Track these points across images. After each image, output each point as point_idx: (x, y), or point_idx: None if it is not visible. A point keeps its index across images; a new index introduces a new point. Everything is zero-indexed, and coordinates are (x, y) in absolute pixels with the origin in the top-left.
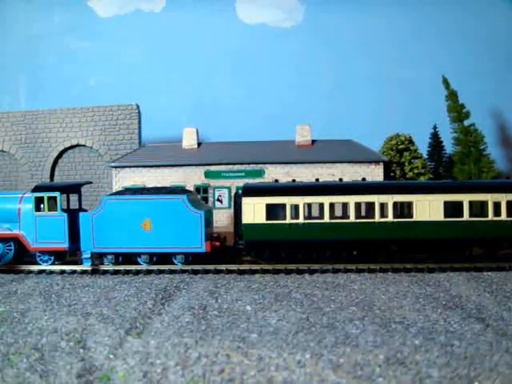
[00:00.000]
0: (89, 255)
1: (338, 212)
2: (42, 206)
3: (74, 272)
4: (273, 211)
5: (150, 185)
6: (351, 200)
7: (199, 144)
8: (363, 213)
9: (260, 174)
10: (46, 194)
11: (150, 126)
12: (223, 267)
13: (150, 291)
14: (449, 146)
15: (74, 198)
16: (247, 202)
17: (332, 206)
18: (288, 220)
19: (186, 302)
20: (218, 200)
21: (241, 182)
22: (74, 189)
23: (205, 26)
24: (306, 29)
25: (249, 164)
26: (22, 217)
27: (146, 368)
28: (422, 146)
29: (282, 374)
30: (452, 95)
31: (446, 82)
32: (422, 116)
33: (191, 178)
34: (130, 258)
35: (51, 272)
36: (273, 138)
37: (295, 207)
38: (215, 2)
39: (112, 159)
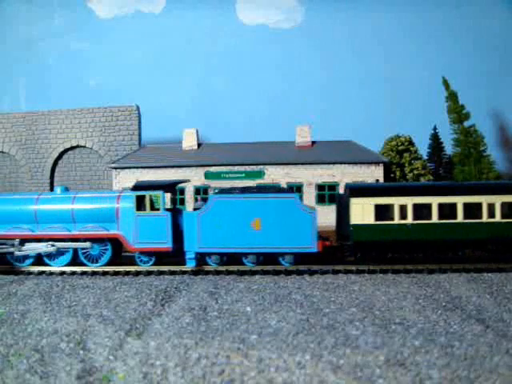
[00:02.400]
0: (193, 255)
1: (446, 212)
2: (143, 205)
3: (73, 273)
4: (381, 212)
5: None
6: (459, 200)
7: (199, 145)
8: (470, 213)
9: (260, 174)
10: (148, 193)
11: (150, 127)
12: (223, 268)
13: (150, 292)
14: (449, 147)
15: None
16: (356, 203)
17: (440, 206)
18: (396, 220)
19: (186, 303)
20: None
21: (241, 183)
22: (171, 187)
23: (204, 26)
24: (306, 29)
25: (249, 165)
26: (121, 216)
27: (145, 369)
28: (422, 147)
29: (282, 375)
30: (452, 96)
31: (446, 83)
32: (422, 117)
33: (191, 178)
34: (234, 258)
35: (51, 273)
36: (273, 138)
37: (403, 208)
38: (215, 3)
39: (112, 160)
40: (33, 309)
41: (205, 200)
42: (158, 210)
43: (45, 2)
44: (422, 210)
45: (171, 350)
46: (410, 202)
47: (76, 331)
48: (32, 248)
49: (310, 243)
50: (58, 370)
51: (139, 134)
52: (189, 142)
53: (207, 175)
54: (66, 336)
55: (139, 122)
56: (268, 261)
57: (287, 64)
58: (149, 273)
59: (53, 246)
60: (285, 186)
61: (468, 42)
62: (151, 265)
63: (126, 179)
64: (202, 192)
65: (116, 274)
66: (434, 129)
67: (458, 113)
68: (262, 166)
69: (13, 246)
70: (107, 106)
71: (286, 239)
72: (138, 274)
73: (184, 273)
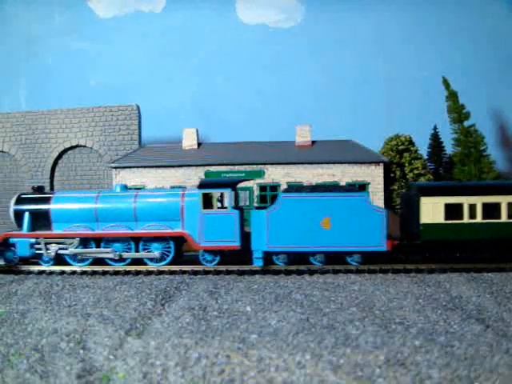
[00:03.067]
0: (261, 255)
1: None
2: (209, 203)
3: (73, 273)
4: (451, 211)
5: (150, 185)
6: None
7: (199, 144)
8: None
9: (260, 174)
10: (214, 191)
11: (150, 127)
12: (223, 268)
13: (150, 292)
14: (449, 147)
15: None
16: (426, 202)
17: (510, 205)
18: (466, 219)
19: (186, 303)
20: (218, 200)
21: (241, 183)
22: (235, 185)
23: (205, 26)
24: (306, 29)
25: (249, 164)
26: (186, 214)
27: (146, 369)
28: (422, 147)
29: (282, 374)
30: (452, 96)
31: (446, 83)
32: (422, 117)
33: (191, 178)
34: (301, 257)
35: (51, 273)
36: (273, 138)
37: (472, 207)
38: (215, 3)
39: (112, 160)
40: (33, 308)
41: None
42: (225, 208)
43: (45, 2)
44: (490, 209)
45: (171, 349)
46: (479, 201)
47: (76, 331)
48: (94, 252)
49: (379, 242)
50: (58, 370)
51: (139, 134)
52: (189, 141)
53: (207, 175)
54: (66, 335)
55: (139, 122)
56: (335, 259)
57: (287, 63)
58: (149, 272)
59: (119, 254)
60: (284, 185)
61: (468, 41)
62: (215, 264)
63: (126, 179)
64: None
65: (116, 273)
66: (434, 128)
67: (458, 112)
68: (262, 166)
69: (71, 245)
70: (107, 106)
71: (355, 238)
72: (138, 273)
73: (184, 272)
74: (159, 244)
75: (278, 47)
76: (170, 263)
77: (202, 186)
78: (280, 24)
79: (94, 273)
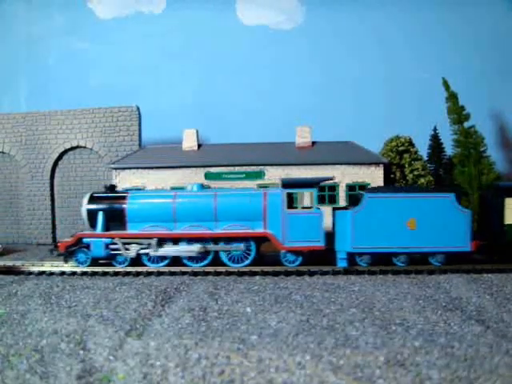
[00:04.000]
0: (345, 255)
1: None
2: (293, 202)
3: (73, 273)
4: None
5: (150, 186)
6: None
7: (199, 145)
8: None
9: (260, 175)
10: (299, 191)
11: (151, 128)
12: (223, 269)
13: (150, 293)
14: (449, 148)
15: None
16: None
17: None
18: None
19: (186, 304)
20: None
21: (241, 184)
22: (318, 184)
23: (205, 27)
24: (307, 30)
25: (249, 165)
26: (268, 214)
27: (145, 369)
28: (422, 148)
29: (282, 375)
30: (452, 97)
31: (445, 84)
32: (422, 118)
33: (191, 179)
34: (383, 258)
35: (51, 273)
36: (273, 139)
37: None
38: (215, 3)
39: (112, 161)
40: (33, 309)
41: None
42: (309, 207)
43: (45, 3)
44: None
45: (171, 350)
46: None
47: (76, 331)
48: (179, 251)
49: (464, 242)
50: (57, 371)
51: (139, 135)
52: (189, 142)
53: (207, 176)
54: (66, 336)
55: (139, 123)
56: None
57: (287, 64)
58: (149, 273)
59: (203, 247)
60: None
61: (468, 42)
62: (298, 265)
63: (127, 180)
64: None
65: (116, 274)
66: (434, 129)
67: (458, 114)
68: (262, 167)
69: (149, 245)
70: (107, 107)
71: (440, 238)
72: (137, 274)
73: (184, 273)
74: (240, 244)
75: (279, 48)
76: (250, 264)
77: (286, 185)
78: (280, 25)
79: (94, 274)
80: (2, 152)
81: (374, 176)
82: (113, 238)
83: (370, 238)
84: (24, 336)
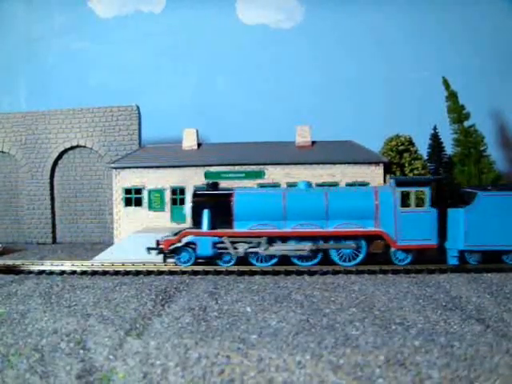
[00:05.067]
0: (456, 253)
1: None
2: (407, 201)
3: (73, 272)
4: None
5: (149, 186)
6: None
7: (199, 145)
8: None
9: (260, 175)
10: (413, 189)
11: (150, 127)
12: (223, 268)
13: (149, 292)
14: (449, 147)
15: None
16: None
17: None
18: None
19: (186, 304)
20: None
21: (241, 183)
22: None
23: (205, 26)
24: (306, 29)
25: (249, 165)
26: (381, 213)
27: (145, 369)
28: (422, 147)
29: (282, 374)
30: (452, 96)
31: (446, 83)
32: (422, 117)
33: (191, 178)
34: (492, 256)
35: (51, 273)
36: (273, 138)
37: None
38: (215, 3)
39: (112, 160)
40: (33, 308)
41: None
42: (422, 206)
43: (44, 2)
44: None
45: (171, 349)
46: None
47: (76, 331)
48: (289, 248)
49: None
50: (57, 370)
51: (139, 134)
52: (189, 141)
53: (207, 175)
54: (66, 336)
55: (139, 122)
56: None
57: (287, 64)
58: (149, 273)
59: (315, 245)
60: (284, 186)
61: (468, 41)
62: (407, 263)
63: (126, 179)
64: None
65: (116, 273)
66: (434, 129)
67: (457, 113)
68: (262, 166)
69: (259, 244)
70: (107, 106)
71: None
72: (137, 273)
73: (184, 273)
74: (351, 242)
75: (278, 47)
76: (360, 263)
77: (400, 184)
78: (280, 24)
79: (94, 273)
80: (2, 151)
81: (374, 175)
82: (220, 237)
83: (483, 236)
84: (24, 335)
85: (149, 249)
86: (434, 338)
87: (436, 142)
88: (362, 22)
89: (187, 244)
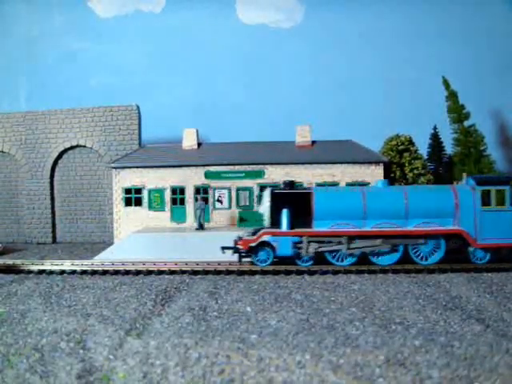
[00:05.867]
0: None
1: None
2: (488, 200)
3: (73, 272)
4: None
5: (149, 186)
6: None
7: (199, 144)
8: None
9: (260, 174)
10: (494, 188)
11: (150, 127)
12: (223, 268)
13: (150, 292)
14: (449, 147)
15: None
16: None
17: None
18: None
19: (186, 303)
20: (218, 200)
21: (240, 183)
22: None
23: (205, 26)
24: (306, 29)
25: (249, 164)
26: (461, 212)
27: (145, 369)
28: (422, 147)
29: (282, 374)
30: (452, 96)
31: (446, 83)
32: (422, 117)
33: (191, 178)
34: None
35: (51, 272)
36: (273, 138)
37: None
38: (215, 3)
39: (112, 160)
40: (33, 308)
41: (205, 200)
42: (503, 204)
43: (44, 2)
44: None
45: (171, 349)
46: None
47: (76, 331)
48: (370, 247)
49: None
50: (58, 370)
51: (139, 134)
52: (189, 141)
53: (207, 175)
54: (66, 335)
55: (139, 122)
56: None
57: (287, 64)
58: (149, 272)
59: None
60: None
61: (468, 41)
62: (485, 262)
63: (126, 179)
64: (201, 191)
65: (116, 273)
66: (434, 128)
67: (457, 112)
68: (261, 166)
69: (340, 243)
70: (107, 106)
71: None
72: (137, 273)
73: (184, 272)
74: (430, 241)
75: (278, 47)
76: (438, 262)
77: (480, 182)
78: (280, 24)
79: (94, 273)
80: (2, 151)
81: (374, 175)
82: (301, 236)
83: None
84: (24, 335)
85: (223, 248)
86: (434, 337)
87: (436, 141)
88: (362, 21)
89: (263, 243)
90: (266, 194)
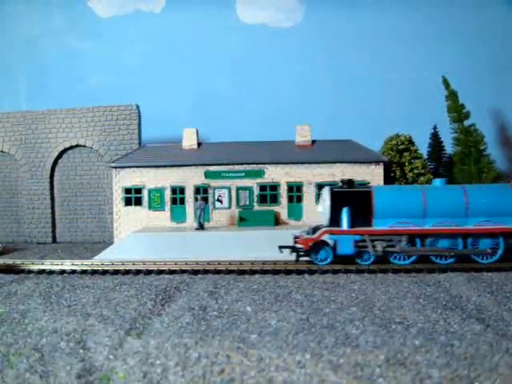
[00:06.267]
0: None
1: None
2: None
3: (73, 272)
4: None
5: (149, 185)
6: None
7: (199, 144)
8: None
9: (260, 174)
10: None
11: (150, 127)
12: (223, 267)
13: (149, 292)
14: (449, 147)
15: None
16: None
17: None
18: None
19: (186, 303)
20: (218, 200)
21: (240, 183)
22: None
23: (205, 26)
24: (306, 29)
25: (249, 164)
26: None
27: (145, 368)
28: (422, 147)
29: (282, 374)
30: (452, 95)
31: (445, 82)
32: (422, 116)
33: (191, 178)
34: None
35: (51, 272)
36: (273, 138)
37: None
38: (215, 2)
39: (112, 159)
40: (33, 308)
41: (205, 199)
42: None
43: (44, 2)
44: None
45: (171, 349)
46: None
47: (76, 330)
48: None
49: None
50: (57, 370)
51: (139, 134)
52: (189, 141)
53: (207, 174)
54: (66, 335)
55: (139, 122)
56: None
57: (287, 63)
58: (148, 272)
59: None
60: (285, 185)
61: (468, 40)
62: None
63: (126, 178)
64: (201, 191)
65: (116, 273)
66: (434, 128)
67: (457, 112)
68: (261, 166)
69: (400, 242)
70: (107, 105)
71: None
72: (137, 273)
73: (184, 272)
74: (489, 240)
75: (278, 47)
76: (498, 261)
77: None
78: (280, 24)
79: (94, 272)
80: (2, 151)
81: (374, 174)
82: (362, 235)
83: None
84: (24, 335)
85: (280, 247)
86: (434, 337)
87: (436, 141)
88: (362, 21)
89: (321, 242)
90: (326, 192)
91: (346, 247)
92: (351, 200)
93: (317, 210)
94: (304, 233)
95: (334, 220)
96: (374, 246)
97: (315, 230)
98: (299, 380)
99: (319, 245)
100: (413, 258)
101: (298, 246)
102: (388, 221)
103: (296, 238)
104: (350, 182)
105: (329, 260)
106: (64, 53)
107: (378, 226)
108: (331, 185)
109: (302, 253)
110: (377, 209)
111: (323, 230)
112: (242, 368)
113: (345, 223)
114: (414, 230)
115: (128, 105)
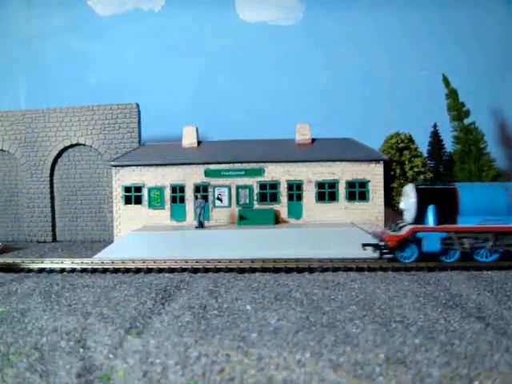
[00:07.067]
0: None
1: None
2: None
3: (73, 271)
4: None
5: (149, 184)
6: None
7: (199, 143)
8: None
9: (260, 172)
10: None
11: (150, 125)
12: (223, 266)
13: (149, 291)
14: (449, 145)
15: None
16: None
17: None
18: None
19: (186, 302)
20: (218, 199)
21: (240, 181)
22: None
23: (204, 24)
24: (306, 27)
25: (249, 163)
26: None
27: (145, 367)
28: (422, 145)
29: (282, 373)
30: (452, 94)
31: (446, 81)
32: (422, 115)
33: (191, 176)
34: None
35: (51, 271)
36: (273, 136)
37: None
38: (215, 1)
39: (112, 158)
40: (33, 307)
41: (204, 198)
42: None
43: (44, 1)
44: None
45: (171, 348)
46: None
47: (76, 329)
48: None
49: None
50: (57, 369)
51: (139, 132)
52: (189, 139)
53: (207, 173)
54: (66, 334)
55: (139, 120)
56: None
57: (287, 62)
58: (149, 271)
59: None
60: (285, 183)
61: (468, 39)
62: None
63: (126, 177)
64: (201, 190)
65: (115, 271)
66: (434, 126)
67: (458, 110)
68: (261, 164)
69: (487, 240)
70: (107, 104)
71: None
72: (138, 271)
73: (184, 270)
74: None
75: (278, 45)
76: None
77: None
78: (280, 22)
79: (94, 271)
80: (2, 150)
81: (374, 173)
82: (449, 232)
83: None
84: (24, 334)
85: (364, 245)
86: (434, 336)
87: (436, 139)
88: (364, 20)
89: (408, 240)
90: (410, 189)
91: (433, 244)
92: (436, 197)
93: (400, 207)
94: (389, 230)
95: (420, 217)
96: (461, 244)
97: (401, 227)
98: (299, 379)
99: (405, 242)
100: (495, 256)
101: (382, 243)
102: (473, 218)
103: (375, 235)
104: (432, 180)
105: (414, 257)
106: (63, 51)
107: (463, 223)
108: (331, 183)
109: (385, 250)
110: (463, 206)
111: (411, 227)
112: (241, 367)
113: (431, 220)
114: (502, 228)
115: (128, 103)
